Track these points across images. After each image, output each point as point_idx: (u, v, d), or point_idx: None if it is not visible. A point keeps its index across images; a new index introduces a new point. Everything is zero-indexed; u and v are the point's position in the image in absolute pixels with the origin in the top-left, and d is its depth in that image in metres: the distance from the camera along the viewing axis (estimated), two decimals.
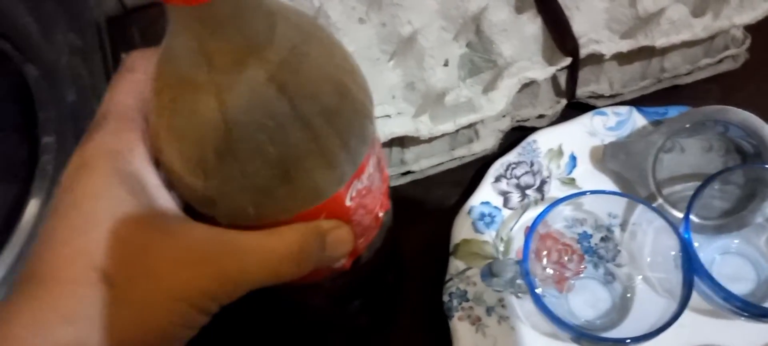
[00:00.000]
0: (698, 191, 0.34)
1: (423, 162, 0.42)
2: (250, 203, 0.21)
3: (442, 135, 0.40)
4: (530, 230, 0.34)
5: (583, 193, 0.35)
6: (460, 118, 0.39)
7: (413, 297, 0.38)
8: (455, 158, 0.43)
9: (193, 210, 0.22)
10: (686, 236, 0.33)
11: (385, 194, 0.29)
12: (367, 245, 0.29)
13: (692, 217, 0.36)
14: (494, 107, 0.39)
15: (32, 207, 0.33)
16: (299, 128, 0.20)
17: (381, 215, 0.29)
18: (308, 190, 0.22)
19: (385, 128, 0.38)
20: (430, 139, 0.40)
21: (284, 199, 0.21)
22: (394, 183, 0.43)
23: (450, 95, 0.38)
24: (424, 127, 0.39)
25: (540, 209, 0.35)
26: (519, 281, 0.34)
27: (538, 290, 0.35)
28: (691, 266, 0.32)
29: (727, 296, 0.31)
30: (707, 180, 0.34)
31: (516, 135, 0.43)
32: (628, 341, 0.31)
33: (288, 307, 0.34)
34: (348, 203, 0.24)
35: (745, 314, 0.32)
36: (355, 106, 0.23)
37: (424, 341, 0.37)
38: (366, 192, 0.25)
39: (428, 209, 0.42)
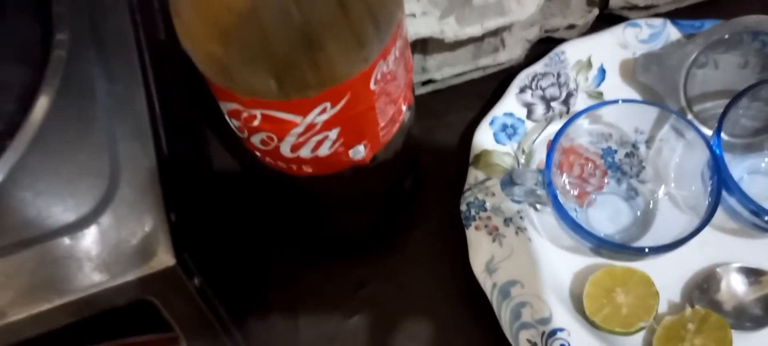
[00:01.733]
0: (729, 107, 0.33)
1: (445, 70, 0.41)
2: (271, 75, 0.20)
3: (467, 40, 0.38)
4: (554, 140, 0.33)
5: (615, 101, 0.34)
6: (488, 21, 0.37)
7: (431, 206, 0.38)
8: (479, 68, 0.41)
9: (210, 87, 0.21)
10: (718, 148, 0.32)
11: (409, 87, 0.28)
12: (388, 140, 0.28)
13: (722, 134, 0.35)
14: (524, 11, 0.37)
15: (43, 100, 0.32)
16: None
17: (404, 108, 0.28)
18: (333, 64, 0.21)
19: (410, 28, 0.36)
20: (454, 47, 0.39)
21: (307, 72, 0.20)
22: (416, 92, 0.41)
23: None
24: (449, 29, 0.37)
25: (564, 121, 0.34)
26: (539, 192, 0.33)
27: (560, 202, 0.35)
28: (720, 180, 0.31)
29: (758, 209, 0.30)
30: (737, 96, 0.33)
31: (543, 47, 0.41)
32: (647, 250, 0.30)
33: (311, 200, 0.33)
34: (373, 86, 0.23)
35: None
36: None
37: (442, 249, 0.36)
38: (391, 78, 0.24)
39: (449, 119, 0.41)
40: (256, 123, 0.24)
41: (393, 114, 0.27)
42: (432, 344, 0.35)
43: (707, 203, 0.31)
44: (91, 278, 0.26)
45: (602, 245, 0.31)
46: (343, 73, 0.22)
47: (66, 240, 0.27)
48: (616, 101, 0.33)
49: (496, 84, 0.41)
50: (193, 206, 0.33)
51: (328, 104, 0.23)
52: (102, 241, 0.26)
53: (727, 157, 0.36)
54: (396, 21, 0.23)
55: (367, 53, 0.22)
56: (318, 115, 0.23)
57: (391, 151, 0.30)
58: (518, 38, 0.41)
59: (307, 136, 0.24)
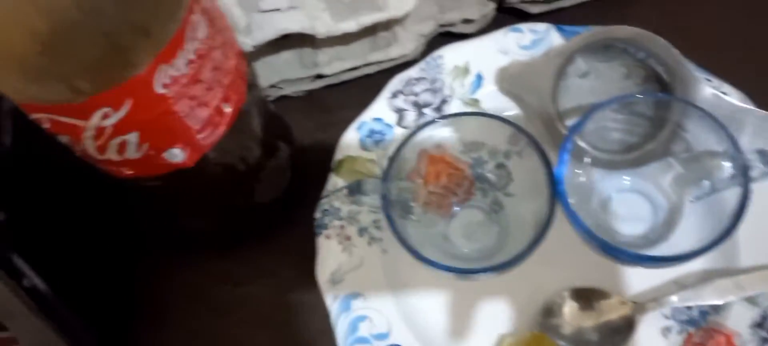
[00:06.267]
0: (585, 117, 0.31)
1: (336, 65, 0.39)
2: (32, 81, 0.21)
3: (360, 34, 0.37)
4: (399, 147, 0.32)
5: (463, 114, 0.32)
6: (363, 16, 0.36)
7: (301, 211, 0.37)
8: (371, 63, 0.40)
9: None
10: (558, 169, 0.30)
11: (232, 88, 0.27)
12: (215, 141, 0.27)
13: (587, 147, 0.34)
14: (402, 6, 0.36)
15: None
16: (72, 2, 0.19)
17: (228, 109, 0.27)
18: (91, 71, 0.21)
19: (276, 23, 0.35)
20: (347, 41, 0.38)
21: (66, 80, 0.21)
22: (307, 87, 0.41)
23: None
24: (322, 25, 0.36)
25: (434, 129, 0.33)
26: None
27: (414, 215, 0.34)
28: (555, 194, 0.29)
29: (586, 232, 0.29)
30: (597, 106, 0.31)
31: (442, 42, 0.39)
32: (485, 270, 0.29)
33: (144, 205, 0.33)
34: (160, 90, 0.23)
35: (608, 254, 0.30)
36: None
37: (296, 259, 0.36)
38: (189, 81, 0.24)
39: (343, 115, 0.39)
40: (48, 126, 0.24)
41: (210, 116, 0.26)
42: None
43: (543, 220, 0.30)
44: None
45: (438, 269, 0.30)
46: (108, 80, 0.22)
47: None
48: (463, 114, 0.32)
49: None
50: (40, 204, 0.33)
51: (108, 109, 0.23)
52: None
53: (596, 173, 0.34)
54: (171, 23, 0.22)
55: (131, 60, 0.22)
56: (102, 120, 0.23)
57: (234, 151, 0.29)
58: (412, 33, 0.39)
59: (104, 139, 0.24)
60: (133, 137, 0.24)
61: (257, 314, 0.36)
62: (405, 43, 0.38)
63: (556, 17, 0.39)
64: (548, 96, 0.34)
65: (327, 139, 0.38)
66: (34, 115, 0.23)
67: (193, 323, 0.35)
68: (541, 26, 0.37)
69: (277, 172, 0.34)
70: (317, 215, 0.35)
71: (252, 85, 0.29)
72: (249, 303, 0.36)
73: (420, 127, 0.33)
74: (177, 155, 0.26)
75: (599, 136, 0.34)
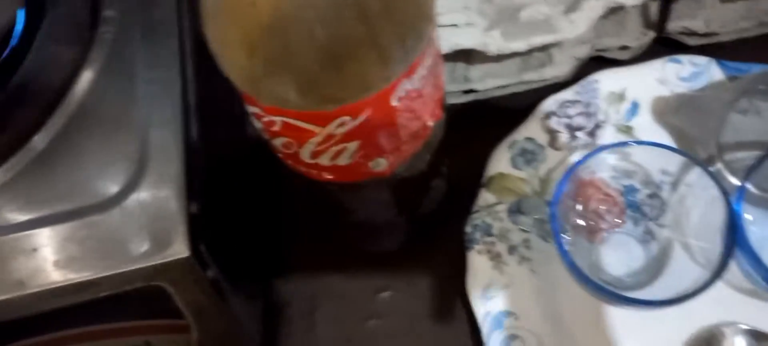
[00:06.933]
0: (762, 159, 0.31)
1: (488, 81, 0.40)
2: (292, 87, 0.21)
3: (512, 54, 0.38)
4: (567, 173, 0.32)
5: (631, 143, 0.32)
6: (535, 37, 0.36)
7: (460, 217, 0.37)
8: (524, 82, 0.40)
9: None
10: (737, 205, 0.30)
11: (437, 103, 0.28)
12: (412, 153, 0.28)
13: (750, 187, 0.33)
14: (574, 30, 0.36)
15: (87, 75, 0.34)
16: (352, 12, 0.20)
17: (430, 123, 0.28)
18: (354, 81, 0.22)
19: (452, 38, 0.36)
20: (499, 58, 0.38)
21: (327, 87, 0.21)
22: (455, 100, 0.41)
23: (527, 10, 0.35)
24: (493, 42, 0.36)
25: (587, 153, 0.33)
26: (547, 224, 0.33)
27: (567, 237, 0.34)
28: (734, 236, 0.29)
29: (765, 274, 0.29)
30: None
31: (594, 66, 0.39)
32: (654, 302, 0.30)
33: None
34: (395, 103, 0.24)
35: None
36: (416, 0, 0.22)
37: (443, 270, 0.36)
38: (416, 95, 0.25)
39: (487, 131, 0.39)
40: (275, 128, 0.25)
41: (417, 129, 0.27)
42: None
43: (719, 259, 0.30)
44: (106, 262, 0.27)
45: (598, 292, 0.31)
46: (364, 91, 0.22)
47: (89, 219, 0.28)
48: (631, 143, 0.32)
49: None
50: (220, 196, 0.35)
51: (347, 118, 0.23)
52: (122, 225, 0.28)
53: (757, 213, 0.34)
54: (424, 41, 0.23)
55: (390, 73, 0.22)
56: (337, 128, 0.24)
57: (416, 164, 0.30)
58: (567, 55, 0.39)
59: (327, 145, 0.25)
60: (353, 146, 0.25)
61: (399, 322, 0.36)
62: (560, 65, 0.39)
63: (714, 51, 0.39)
64: (713, 131, 0.34)
65: (473, 154, 0.38)
66: (270, 117, 0.24)
67: (338, 326, 0.36)
68: (701, 59, 0.37)
69: (438, 185, 0.35)
70: (468, 229, 0.35)
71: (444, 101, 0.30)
72: (393, 312, 0.37)
73: (573, 150, 0.34)
74: (381, 164, 0.27)
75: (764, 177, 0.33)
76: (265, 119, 0.25)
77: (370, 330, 0.36)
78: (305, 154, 0.26)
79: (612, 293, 0.31)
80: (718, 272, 0.29)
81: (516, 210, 0.33)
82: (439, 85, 0.27)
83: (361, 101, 0.22)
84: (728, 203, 0.30)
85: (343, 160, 0.26)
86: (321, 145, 0.25)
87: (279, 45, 0.20)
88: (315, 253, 0.38)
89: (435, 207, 0.37)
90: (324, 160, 0.26)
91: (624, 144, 0.33)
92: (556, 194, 0.32)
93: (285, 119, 0.24)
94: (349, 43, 0.20)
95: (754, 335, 0.32)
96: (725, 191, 0.30)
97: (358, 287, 0.37)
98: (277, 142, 0.26)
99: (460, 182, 0.38)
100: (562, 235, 0.34)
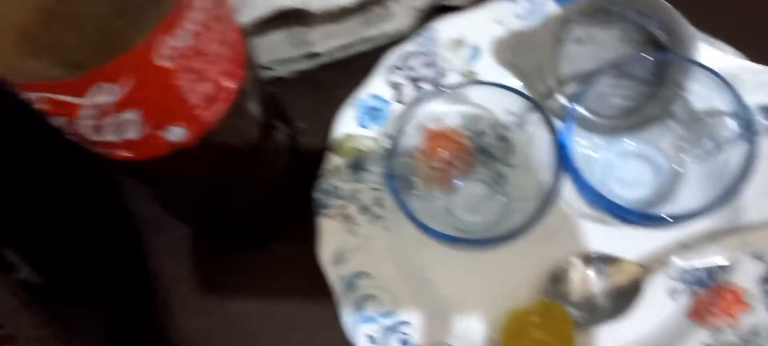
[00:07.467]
0: (587, 83, 0.31)
1: (330, 42, 0.38)
2: (29, 57, 0.20)
3: (350, 11, 0.36)
4: (400, 123, 0.32)
5: (463, 84, 0.32)
6: None
7: (299, 191, 0.37)
8: (366, 39, 0.39)
9: None
10: (563, 132, 0.30)
11: (234, 61, 0.26)
12: (215, 119, 0.27)
13: (587, 114, 0.33)
14: None
15: None
16: None
17: (229, 85, 0.27)
18: (90, 42, 0.20)
19: (269, 1, 0.34)
20: (340, 18, 0.37)
21: (62, 51, 0.20)
22: (300, 67, 0.40)
23: None
24: (316, 0, 0.35)
25: (432, 103, 0.32)
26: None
27: (417, 190, 0.33)
28: (562, 164, 0.29)
29: (595, 198, 0.29)
30: (598, 71, 0.31)
31: (438, 16, 0.38)
32: (491, 240, 0.29)
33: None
34: (164, 63, 0.22)
35: (619, 218, 0.30)
36: None
37: (294, 237, 0.35)
38: (192, 53, 0.23)
39: (339, 94, 0.38)
40: (46, 108, 0.23)
41: (211, 92, 0.26)
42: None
43: (548, 188, 0.30)
44: None
45: (443, 240, 0.30)
46: (108, 52, 0.21)
47: None
48: (475, 82, 0.32)
49: None
50: (35, 199, 0.32)
51: (105, 84, 0.22)
52: None
53: (598, 140, 0.34)
54: None
55: (132, 32, 0.21)
56: (100, 97, 0.22)
57: (234, 131, 0.29)
58: (405, 7, 0.38)
59: (102, 119, 0.23)
60: (133, 116, 0.23)
61: (260, 305, 0.35)
62: (399, 18, 0.38)
63: None
64: (547, 64, 0.34)
65: (324, 119, 0.37)
66: (31, 95, 0.22)
67: (201, 308, 0.35)
68: None
69: (276, 154, 0.33)
70: (316, 194, 0.34)
71: (250, 62, 0.29)
72: (253, 286, 0.35)
73: (419, 102, 0.33)
74: (177, 133, 0.25)
75: (599, 102, 0.33)
76: (30, 96, 0.23)
77: (232, 308, 0.34)
78: (88, 131, 0.24)
79: (456, 239, 0.31)
80: (547, 200, 0.29)
81: (359, 168, 0.32)
82: (230, 42, 0.25)
83: (112, 64, 0.21)
84: (553, 131, 0.30)
85: (131, 134, 0.24)
86: (95, 120, 0.23)
87: (6, 12, 0.18)
88: (163, 241, 0.36)
89: (285, 179, 0.35)
90: (111, 136, 0.24)
91: (457, 87, 0.32)
92: (391, 150, 0.31)
93: (45, 95, 0.22)
94: (67, 6, 0.19)
95: (603, 259, 0.32)
96: (550, 119, 0.30)
97: (214, 270, 0.35)
98: (57, 123, 0.24)
99: (310, 149, 0.37)
100: (414, 190, 0.33)
